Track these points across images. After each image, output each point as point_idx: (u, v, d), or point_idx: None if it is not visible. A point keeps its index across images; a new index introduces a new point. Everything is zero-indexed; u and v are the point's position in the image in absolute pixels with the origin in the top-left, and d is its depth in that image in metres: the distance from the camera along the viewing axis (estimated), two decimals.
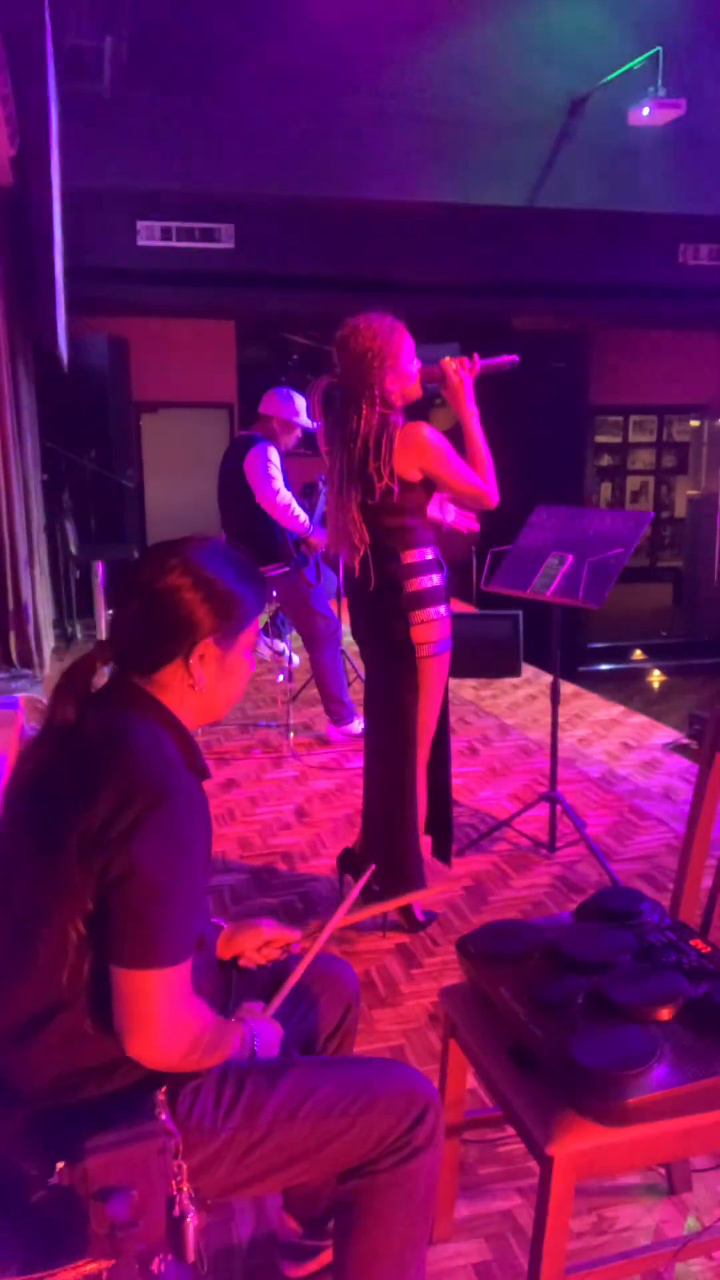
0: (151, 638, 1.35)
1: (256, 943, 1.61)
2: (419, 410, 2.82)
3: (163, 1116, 1.23)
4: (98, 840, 1.19)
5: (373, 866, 1.91)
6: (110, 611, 1.47)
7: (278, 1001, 1.52)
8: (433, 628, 2.73)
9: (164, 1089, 1.27)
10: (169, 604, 1.34)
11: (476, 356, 2.78)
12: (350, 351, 2.67)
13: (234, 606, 1.36)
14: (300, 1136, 1.33)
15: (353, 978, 1.70)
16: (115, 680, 1.37)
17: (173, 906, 1.21)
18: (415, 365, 2.75)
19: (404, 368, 2.71)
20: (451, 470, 2.69)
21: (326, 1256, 1.64)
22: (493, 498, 2.75)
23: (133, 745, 1.26)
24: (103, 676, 1.37)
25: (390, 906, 1.80)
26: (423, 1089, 1.40)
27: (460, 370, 2.75)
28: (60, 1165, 1.17)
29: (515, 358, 2.80)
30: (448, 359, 2.77)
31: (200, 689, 1.36)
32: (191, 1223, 1.22)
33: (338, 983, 1.66)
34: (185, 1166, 1.24)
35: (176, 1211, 1.22)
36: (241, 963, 1.60)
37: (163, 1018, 1.21)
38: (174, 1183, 1.22)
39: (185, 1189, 1.23)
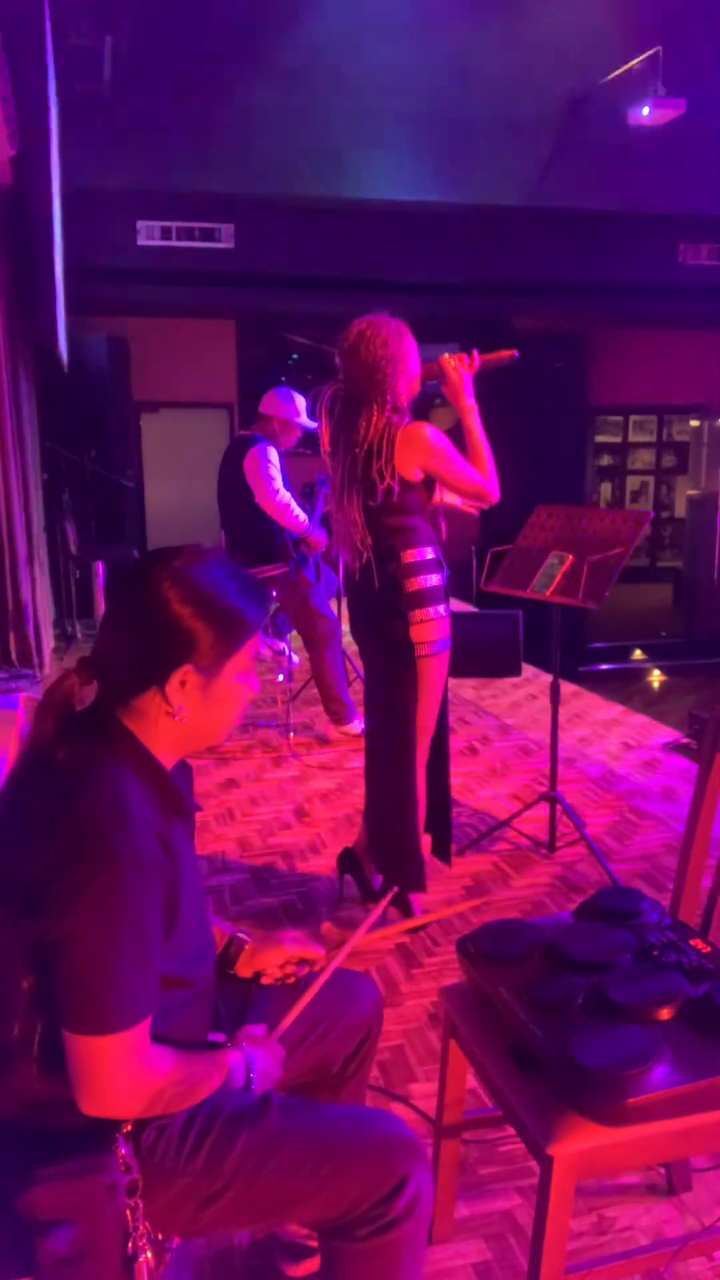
0: (129, 659, 1.26)
1: (279, 960, 1.56)
2: (418, 410, 2.82)
3: (123, 1151, 1.19)
4: (36, 898, 1.14)
5: (395, 889, 1.90)
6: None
7: (284, 1025, 1.46)
8: (432, 627, 2.72)
9: (129, 1123, 1.23)
10: (150, 623, 1.24)
11: (475, 352, 2.78)
12: (362, 359, 2.66)
13: (219, 628, 1.26)
14: (263, 1193, 1.26)
15: (376, 998, 1.64)
16: (94, 706, 1.28)
17: (119, 972, 1.14)
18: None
19: (413, 370, 2.72)
20: (453, 469, 2.69)
21: None
22: (494, 494, 2.76)
23: (88, 796, 1.17)
24: (91, 692, 1.28)
25: (412, 925, 1.80)
26: (401, 1156, 1.29)
27: (459, 367, 2.75)
28: (17, 1181, 1.16)
29: (514, 352, 2.80)
30: (446, 356, 2.78)
31: (181, 719, 1.26)
32: (145, 1263, 1.18)
33: (360, 1004, 1.60)
34: (142, 1205, 1.19)
35: (130, 1249, 1.17)
36: (263, 980, 1.56)
37: (113, 1083, 1.16)
38: (129, 1219, 1.18)
39: (141, 1227, 1.18)
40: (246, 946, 1.56)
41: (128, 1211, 1.18)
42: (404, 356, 2.68)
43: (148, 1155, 1.23)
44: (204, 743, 1.34)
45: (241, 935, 1.58)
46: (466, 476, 2.71)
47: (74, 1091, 1.17)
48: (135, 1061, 1.17)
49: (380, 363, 2.65)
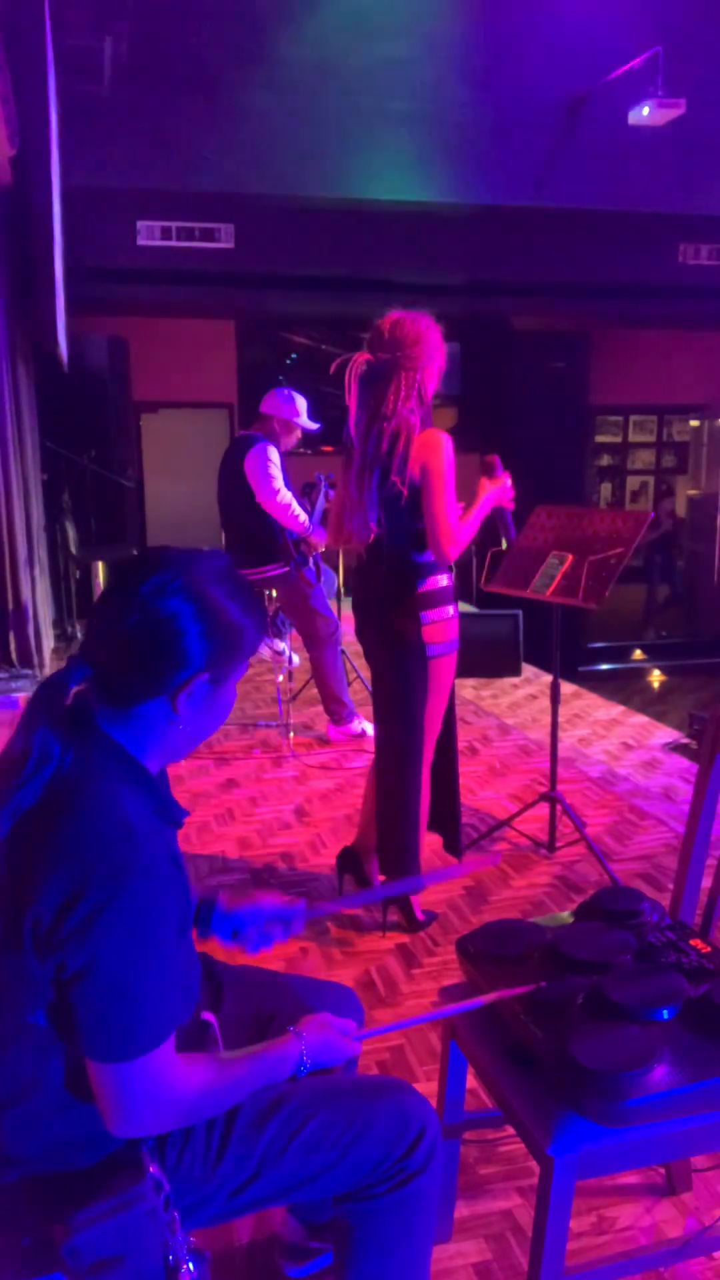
0: (139, 666, 1.19)
1: (257, 921, 1.54)
2: None
3: (152, 1170, 1.19)
4: (51, 936, 1.09)
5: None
6: (89, 621, 1.31)
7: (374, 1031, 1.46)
8: (443, 628, 2.73)
9: (150, 1143, 1.23)
10: (166, 632, 1.18)
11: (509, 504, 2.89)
12: (397, 338, 2.66)
13: (234, 641, 1.23)
14: (291, 1170, 1.29)
15: (356, 1006, 1.64)
16: (81, 712, 1.21)
17: (141, 997, 1.11)
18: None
19: (441, 365, 2.75)
20: (440, 496, 2.63)
21: (328, 1258, 1.63)
22: (452, 554, 2.67)
23: (89, 817, 1.12)
24: (81, 696, 1.23)
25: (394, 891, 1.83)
26: (416, 1112, 1.34)
27: (506, 488, 2.84)
28: (58, 1229, 1.14)
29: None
30: (509, 482, 2.86)
31: (182, 726, 1.23)
32: (187, 1274, 1.18)
33: (340, 1012, 1.57)
34: (178, 1215, 1.19)
35: (171, 1260, 1.18)
36: (247, 949, 1.54)
37: (142, 1105, 1.15)
38: (168, 1231, 1.18)
39: (179, 1237, 1.18)
40: (218, 906, 1.53)
41: (165, 1226, 1.18)
42: (436, 345, 2.70)
43: (175, 1168, 1.24)
44: (187, 751, 1.30)
45: (209, 897, 1.55)
46: (443, 513, 2.63)
47: (104, 1118, 1.15)
48: (163, 1080, 1.16)
49: (417, 338, 2.66)
